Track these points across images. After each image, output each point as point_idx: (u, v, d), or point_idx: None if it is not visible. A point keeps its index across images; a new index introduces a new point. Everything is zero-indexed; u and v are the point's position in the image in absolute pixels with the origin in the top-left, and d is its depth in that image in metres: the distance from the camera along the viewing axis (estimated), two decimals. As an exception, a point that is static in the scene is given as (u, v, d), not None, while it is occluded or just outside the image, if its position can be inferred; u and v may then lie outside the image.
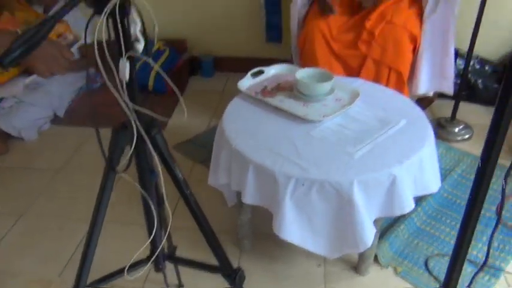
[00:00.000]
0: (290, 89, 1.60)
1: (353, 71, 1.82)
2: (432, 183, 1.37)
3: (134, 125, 0.82)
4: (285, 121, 1.45)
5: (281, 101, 1.54)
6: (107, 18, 0.74)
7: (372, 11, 1.79)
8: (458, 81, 2.19)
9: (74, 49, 2.38)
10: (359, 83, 1.65)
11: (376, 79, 1.76)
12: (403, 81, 1.81)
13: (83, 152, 2.23)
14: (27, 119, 2.29)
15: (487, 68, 2.49)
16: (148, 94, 2.66)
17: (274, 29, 2.70)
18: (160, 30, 2.67)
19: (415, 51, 1.81)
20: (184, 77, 2.82)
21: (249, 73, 1.66)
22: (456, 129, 2.20)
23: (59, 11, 0.68)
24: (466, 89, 2.40)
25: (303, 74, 1.58)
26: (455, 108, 2.19)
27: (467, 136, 2.19)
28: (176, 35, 2.84)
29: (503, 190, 0.89)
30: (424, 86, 1.86)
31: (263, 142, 1.34)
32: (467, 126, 2.23)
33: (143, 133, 0.85)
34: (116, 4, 0.71)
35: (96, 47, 0.68)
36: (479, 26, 1.98)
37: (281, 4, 2.60)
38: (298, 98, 1.54)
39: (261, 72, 1.70)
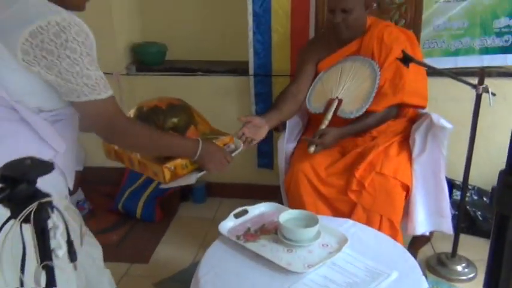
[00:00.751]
0: (275, 230, 1.51)
1: (342, 215, 1.75)
2: None
3: None
4: (266, 271, 1.33)
5: (264, 245, 1.43)
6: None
7: (361, 161, 1.77)
8: (457, 213, 2.11)
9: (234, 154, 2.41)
10: (349, 225, 1.56)
11: (368, 224, 1.68)
12: (395, 228, 1.73)
13: None
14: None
15: (484, 199, 2.42)
16: (136, 222, 2.57)
17: (266, 156, 2.70)
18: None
19: (407, 196, 1.76)
20: (174, 204, 2.75)
21: (232, 213, 1.59)
22: (459, 268, 2.05)
23: None
24: (466, 221, 2.30)
25: (287, 217, 1.50)
26: (456, 243, 2.07)
27: (471, 275, 2.03)
28: (168, 161, 2.83)
29: None
30: (421, 226, 1.77)
31: (240, 299, 1.20)
32: (470, 264, 2.09)
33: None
34: (32, 210, 0.65)
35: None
36: (471, 158, 1.96)
37: (273, 133, 2.62)
38: (282, 243, 1.43)
39: (245, 212, 1.62)
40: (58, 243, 0.70)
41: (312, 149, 1.77)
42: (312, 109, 1.95)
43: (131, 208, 2.58)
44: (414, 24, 2.19)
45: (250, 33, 2.45)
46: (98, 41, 2.63)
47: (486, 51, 2.31)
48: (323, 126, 1.82)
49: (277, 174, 2.67)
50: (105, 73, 2.62)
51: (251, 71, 2.53)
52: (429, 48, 2.32)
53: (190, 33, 2.84)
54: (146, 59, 2.74)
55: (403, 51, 1.53)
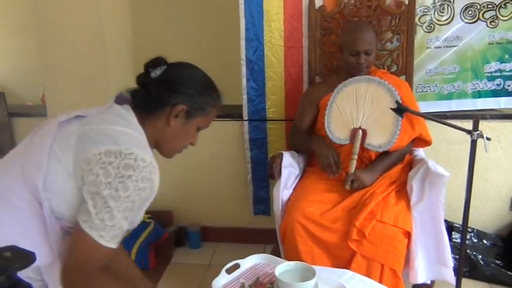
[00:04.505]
0: (270, 284, 1.46)
1: (341, 262, 1.71)
2: None
3: None
4: (262, 331, 1.27)
5: (260, 302, 1.38)
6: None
7: (360, 210, 1.75)
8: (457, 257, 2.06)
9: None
10: (348, 277, 1.50)
11: (368, 274, 1.63)
12: (397, 277, 1.69)
13: None
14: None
15: (485, 241, 2.38)
16: (129, 270, 2.50)
17: (262, 203, 2.66)
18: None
19: (408, 244, 1.72)
20: (169, 250, 2.69)
21: (224, 269, 1.53)
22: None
23: None
24: (466, 265, 2.25)
25: (283, 269, 1.45)
26: (458, 290, 2.01)
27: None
28: (162, 206, 2.79)
29: None
30: (422, 275, 1.72)
31: None
32: (474, 312, 2.02)
33: None
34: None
35: None
36: (469, 201, 1.93)
37: (268, 180, 2.60)
38: (279, 298, 1.38)
39: (237, 266, 1.57)
40: None
41: (348, 187, 1.86)
42: (337, 140, 1.94)
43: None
44: (406, 70, 2.22)
45: (244, 80, 2.48)
46: (93, 86, 2.66)
47: (479, 94, 2.33)
48: (353, 163, 1.88)
49: (273, 217, 2.66)
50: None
51: (245, 117, 2.54)
52: (422, 92, 2.35)
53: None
54: (141, 104, 2.75)
55: (396, 102, 1.53)
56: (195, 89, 1.22)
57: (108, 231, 1.05)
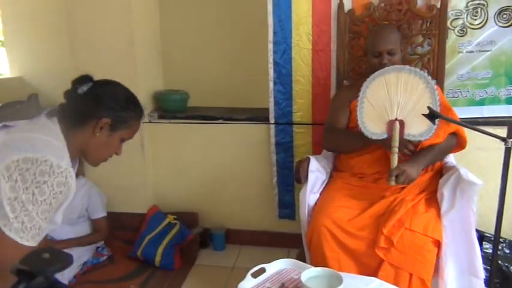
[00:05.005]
0: (296, 288, 1.45)
1: (368, 269, 1.68)
2: None
3: None
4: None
5: (286, 307, 1.37)
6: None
7: (389, 217, 1.72)
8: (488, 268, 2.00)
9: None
10: (376, 285, 1.48)
11: (396, 283, 1.60)
12: (426, 286, 1.65)
13: None
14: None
15: (517, 252, 2.30)
16: (154, 270, 2.53)
17: (287, 207, 2.65)
18: (172, 204, 2.67)
19: (438, 254, 1.68)
20: (193, 251, 2.70)
21: (249, 273, 1.53)
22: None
23: None
24: (498, 277, 2.18)
25: (309, 275, 1.44)
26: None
27: None
28: (188, 208, 2.82)
29: None
30: (451, 286, 1.67)
31: None
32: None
33: None
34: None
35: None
36: (502, 211, 1.87)
37: (294, 184, 2.59)
38: (305, 304, 1.37)
39: (262, 270, 1.57)
40: None
41: (393, 183, 1.75)
42: (373, 136, 1.85)
43: (150, 255, 2.54)
44: (437, 74, 2.17)
45: (271, 83, 2.48)
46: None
47: (512, 100, 2.27)
48: (395, 157, 1.77)
49: (297, 222, 2.64)
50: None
51: (272, 120, 2.54)
52: (453, 97, 2.29)
53: (214, 80, 2.88)
54: (168, 106, 2.79)
55: (428, 107, 1.50)
56: (119, 104, 1.33)
57: (29, 232, 1.12)
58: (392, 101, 1.84)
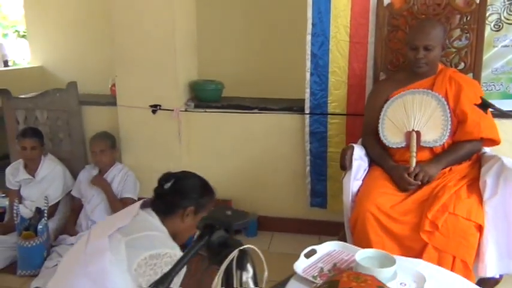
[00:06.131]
0: (348, 269, 1.53)
1: (412, 253, 1.76)
2: None
3: None
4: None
5: (341, 285, 1.45)
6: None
7: (433, 202, 1.80)
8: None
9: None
10: (422, 266, 1.56)
11: (439, 265, 1.68)
12: (468, 269, 1.73)
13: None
14: None
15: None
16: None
17: (319, 196, 2.72)
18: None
19: (480, 238, 1.76)
20: (227, 237, 2.79)
21: (302, 254, 1.61)
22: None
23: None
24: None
25: (363, 256, 1.52)
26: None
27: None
28: (221, 195, 2.88)
29: None
30: (491, 269, 1.76)
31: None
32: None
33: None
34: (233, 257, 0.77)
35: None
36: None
37: (327, 172, 2.67)
38: (359, 282, 1.45)
39: (313, 252, 1.65)
40: (248, 284, 0.78)
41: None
42: (393, 145, 2.07)
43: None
44: (474, 68, 2.24)
45: (308, 74, 2.54)
46: (163, 78, 2.80)
47: (545, 94, 2.33)
48: (413, 159, 1.96)
49: (331, 211, 2.71)
50: (166, 109, 2.74)
51: (307, 110, 2.61)
52: (487, 91, 2.35)
53: (247, 71, 2.95)
54: (203, 95, 2.86)
55: (482, 98, 1.58)
56: (198, 193, 1.61)
57: None
58: (409, 116, 2.07)
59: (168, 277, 0.80)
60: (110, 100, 2.91)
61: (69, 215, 2.78)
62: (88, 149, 2.86)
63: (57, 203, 2.76)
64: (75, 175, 2.85)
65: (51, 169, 2.77)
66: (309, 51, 2.50)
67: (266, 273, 0.82)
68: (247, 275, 0.81)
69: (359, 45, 2.45)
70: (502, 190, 1.75)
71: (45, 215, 2.49)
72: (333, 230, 2.40)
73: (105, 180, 2.66)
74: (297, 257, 1.63)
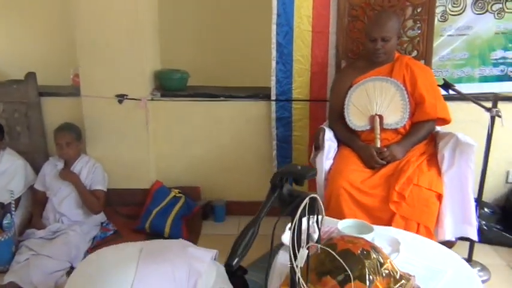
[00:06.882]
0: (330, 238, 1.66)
1: (381, 222, 1.93)
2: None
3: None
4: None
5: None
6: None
7: (399, 176, 2.01)
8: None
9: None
10: (393, 232, 1.74)
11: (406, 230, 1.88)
12: (431, 234, 1.95)
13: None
14: (45, 272, 2.21)
15: (486, 209, 2.68)
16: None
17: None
18: (176, 180, 2.78)
19: (440, 206, 1.98)
20: (198, 223, 2.86)
21: (287, 227, 1.73)
22: (475, 272, 2.27)
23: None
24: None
25: (344, 225, 1.67)
26: (471, 249, 2.30)
27: (486, 278, 2.26)
28: (190, 182, 2.95)
29: None
30: (449, 233, 1.99)
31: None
32: (484, 268, 2.32)
33: None
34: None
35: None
36: (486, 171, 2.20)
37: (292, 155, 2.81)
38: (342, 250, 1.59)
39: (298, 224, 1.77)
40: (314, 229, 0.90)
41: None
42: (358, 128, 2.28)
43: (159, 227, 2.66)
44: (426, 55, 2.47)
45: (274, 63, 2.66)
46: (128, 67, 2.76)
47: (485, 79, 2.62)
48: (377, 141, 2.20)
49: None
50: (133, 99, 2.73)
51: (273, 97, 2.73)
52: (436, 76, 2.60)
53: (211, 62, 3.00)
54: (169, 85, 2.88)
55: (444, 79, 1.78)
56: None
57: None
58: (371, 101, 2.27)
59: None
60: (72, 91, 2.85)
61: (34, 209, 2.70)
62: (49, 142, 2.78)
63: (19, 198, 2.68)
64: (36, 168, 2.77)
65: (10, 163, 2.67)
66: (274, 41, 2.62)
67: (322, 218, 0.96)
68: (314, 220, 0.96)
69: (321, 35, 2.60)
70: (458, 161, 1.98)
71: (13, 208, 2.41)
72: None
73: (74, 173, 2.62)
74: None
